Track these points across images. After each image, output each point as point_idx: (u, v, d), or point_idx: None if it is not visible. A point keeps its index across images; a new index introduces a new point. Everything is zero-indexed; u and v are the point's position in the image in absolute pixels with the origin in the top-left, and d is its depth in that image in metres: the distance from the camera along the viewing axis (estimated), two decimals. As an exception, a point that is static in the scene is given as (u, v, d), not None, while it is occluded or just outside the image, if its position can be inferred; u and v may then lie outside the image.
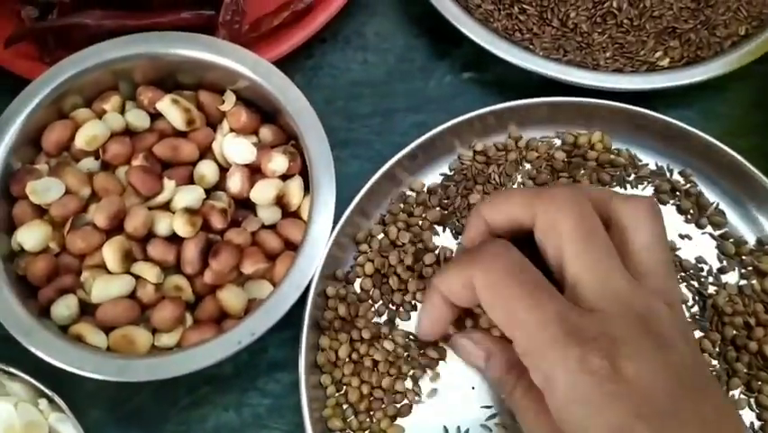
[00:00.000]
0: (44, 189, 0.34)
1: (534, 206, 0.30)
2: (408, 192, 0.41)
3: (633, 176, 0.42)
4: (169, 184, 0.35)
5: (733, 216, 0.41)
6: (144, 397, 0.37)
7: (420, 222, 0.41)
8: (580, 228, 0.29)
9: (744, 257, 0.40)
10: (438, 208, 0.41)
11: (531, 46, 0.43)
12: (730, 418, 0.27)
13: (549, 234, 0.30)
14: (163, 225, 0.35)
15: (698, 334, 0.38)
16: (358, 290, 0.39)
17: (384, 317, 0.39)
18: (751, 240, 0.40)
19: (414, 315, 0.39)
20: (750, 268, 0.40)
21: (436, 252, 0.39)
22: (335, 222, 0.37)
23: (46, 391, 0.34)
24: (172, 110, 0.37)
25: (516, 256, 0.30)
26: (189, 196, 0.35)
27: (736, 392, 0.37)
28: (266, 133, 0.38)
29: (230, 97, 0.39)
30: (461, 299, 0.32)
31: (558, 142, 0.43)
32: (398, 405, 0.37)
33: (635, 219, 0.30)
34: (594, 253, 0.29)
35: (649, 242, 0.30)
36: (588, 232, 0.29)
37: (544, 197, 0.31)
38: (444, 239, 0.40)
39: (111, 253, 0.33)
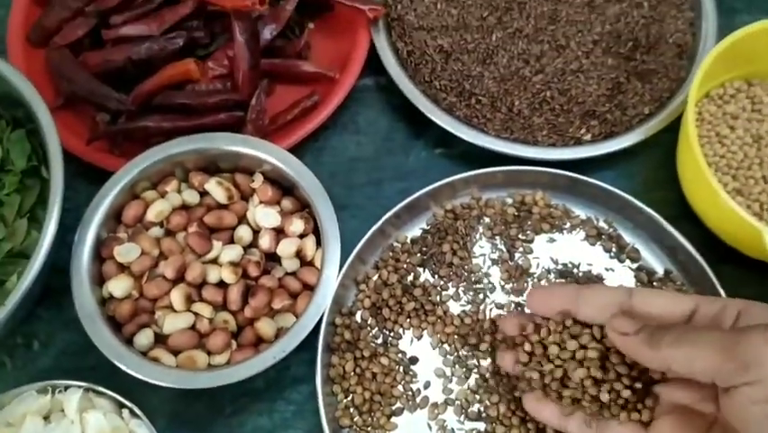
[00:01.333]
0: (126, 252, 0.47)
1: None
2: (395, 243, 0.54)
3: (568, 224, 0.54)
4: (216, 244, 0.48)
5: (645, 253, 0.53)
6: (197, 407, 0.49)
7: (405, 265, 0.53)
8: None
9: (654, 284, 0.52)
10: (419, 255, 0.53)
11: (485, 128, 0.56)
12: None
13: None
14: (214, 274, 0.47)
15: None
16: (359, 320, 0.51)
17: (380, 340, 0.50)
18: (660, 270, 0.52)
19: (405, 335, 0.50)
20: (659, 292, 0.52)
21: (421, 287, 0.51)
22: (340, 268, 0.50)
23: (126, 402, 0.45)
24: (217, 189, 0.50)
25: None
26: (232, 252, 0.48)
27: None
28: (287, 203, 0.51)
29: (258, 178, 0.51)
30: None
31: (510, 200, 0.55)
32: (393, 407, 0.48)
33: None
34: None
35: None
36: None
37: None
38: (424, 277, 0.52)
39: (177, 297, 0.45)
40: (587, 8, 0.58)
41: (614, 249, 0.53)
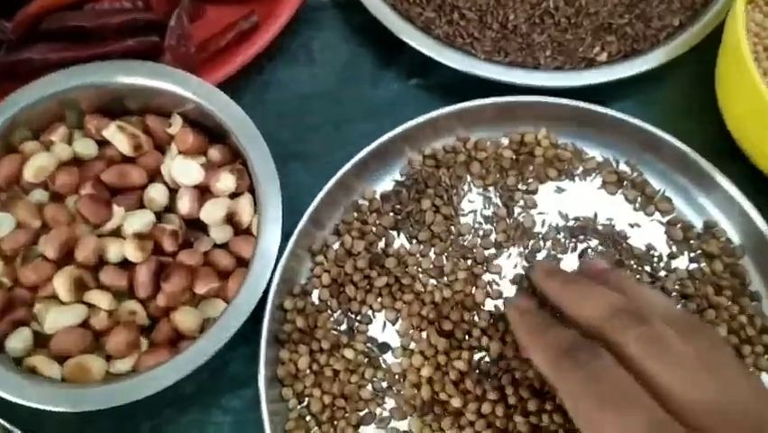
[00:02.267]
0: (-6, 225, 0.35)
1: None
2: (361, 201, 0.42)
3: (580, 169, 0.43)
4: (118, 211, 0.36)
5: (679, 202, 0.42)
6: (106, 424, 0.37)
7: (374, 229, 0.41)
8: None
9: (692, 241, 0.41)
10: (392, 214, 0.42)
11: (473, 50, 0.44)
12: None
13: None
14: (114, 251, 0.35)
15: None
16: (316, 301, 0.39)
17: (343, 326, 0.39)
18: (698, 224, 0.41)
19: (376, 318, 0.39)
20: (699, 252, 0.40)
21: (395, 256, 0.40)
22: (290, 235, 0.38)
23: (8, 426, 0.34)
24: (119, 137, 0.37)
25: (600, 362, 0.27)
26: (139, 221, 0.36)
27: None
28: (214, 153, 0.39)
29: (176, 120, 0.39)
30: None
31: (506, 141, 0.43)
32: (361, 413, 0.37)
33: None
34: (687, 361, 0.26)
35: None
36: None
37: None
38: (399, 243, 0.41)
39: (62, 284, 0.34)
40: None
41: (639, 199, 0.42)
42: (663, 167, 0.42)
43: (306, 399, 0.37)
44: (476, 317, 0.38)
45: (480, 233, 0.41)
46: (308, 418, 0.37)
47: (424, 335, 0.38)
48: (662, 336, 0.27)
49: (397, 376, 0.38)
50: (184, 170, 0.37)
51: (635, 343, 0.26)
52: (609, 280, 0.32)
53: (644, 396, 0.25)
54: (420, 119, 0.42)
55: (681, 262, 0.40)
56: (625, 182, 0.42)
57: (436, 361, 0.37)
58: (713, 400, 0.25)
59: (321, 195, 0.40)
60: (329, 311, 0.39)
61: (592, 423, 0.25)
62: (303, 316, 0.38)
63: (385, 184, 0.43)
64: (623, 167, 0.43)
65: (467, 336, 0.38)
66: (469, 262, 0.40)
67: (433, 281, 0.40)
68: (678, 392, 0.25)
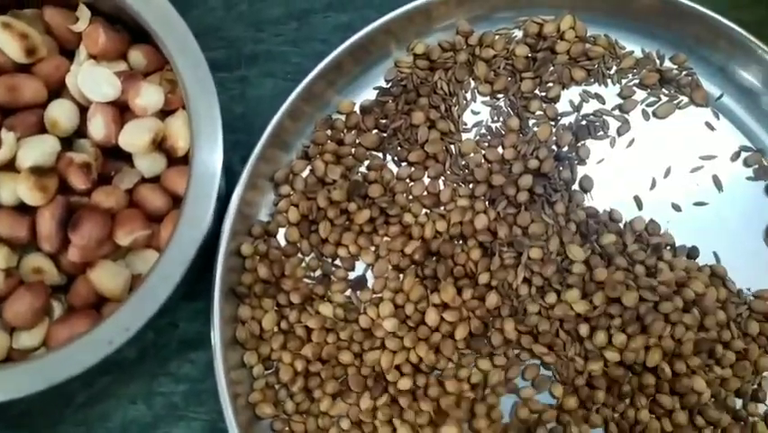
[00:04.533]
0: None
1: None
2: (336, 115, 0.33)
3: (614, 68, 0.34)
4: (7, 137, 0.27)
5: (740, 112, 0.33)
6: (32, 397, 0.31)
7: (353, 150, 0.33)
8: None
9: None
10: (375, 131, 0.33)
11: None
12: None
13: None
14: (7, 191, 0.27)
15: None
16: (282, 244, 0.32)
17: (317, 273, 0.32)
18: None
19: (357, 263, 0.31)
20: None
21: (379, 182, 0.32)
22: (246, 159, 0.30)
23: None
24: (4, 37, 0.28)
25: None
26: (38, 150, 0.27)
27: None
28: (137, 56, 0.30)
29: (84, 14, 0.29)
30: None
31: (519, 33, 0.34)
32: (340, 380, 0.30)
33: None
34: None
35: None
36: None
37: None
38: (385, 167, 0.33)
39: (-63, 236, 0.26)
40: None
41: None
42: (720, 63, 0.33)
43: (274, 364, 0.30)
44: (471, 253, 0.31)
45: (487, 151, 0.33)
46: (277, 387, 0.30)
47: (401, 277, 0.31)
48: None
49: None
50: (94, 80, 0.28)
51: None
52: None
53: None
54: (409, 6, 0.32)
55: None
56: (671, 83, 0.33)
57: (404, 312, 0.30)
58: None
59: (284, 108, 0.31)
60: (299, 255, 0.32)
61: None
62: (266, 263, 0.31)
63: (366, 93, 0.34)
64: (669, 63, 0.33)
65: (452, 272, 0.31)
66: (471, 186, 0.32)
67: (425, 212, 0.32)
68: None
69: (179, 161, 0.29)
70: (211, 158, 0.27)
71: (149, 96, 0.28)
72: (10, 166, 0.28)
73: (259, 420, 0.30)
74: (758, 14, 0.35)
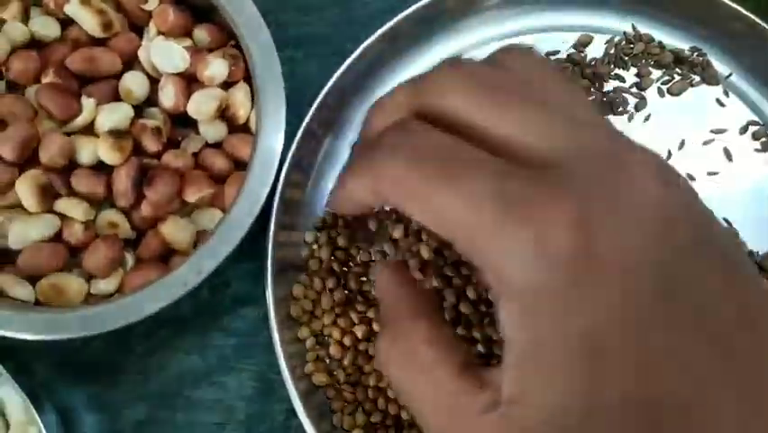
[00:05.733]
0: (-61, 122, 0.29)
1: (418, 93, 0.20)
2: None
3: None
4: (88, 103, 0.30)
5: (749, 90, 0.36)
6: (95, 347, 0.33)
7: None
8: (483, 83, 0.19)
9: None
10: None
11: None
12: None
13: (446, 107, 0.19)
14: (86, 152, 0.29)
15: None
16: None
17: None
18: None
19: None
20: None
21: None
22: (294, 134, 0.32)
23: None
24: (83, 13, 0.31)
25: (427, 136, 0.19)
26: (114, 115, 0.30)
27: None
28: (201, 34, 0.32)
29: (154, -7, 0.32)
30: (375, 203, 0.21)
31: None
32: None
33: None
34: (512, 102, 0.19)
35: None
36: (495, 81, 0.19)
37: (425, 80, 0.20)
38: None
39: (26, 190, 0.28)
40: None
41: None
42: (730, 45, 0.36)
43: (325, 340, 0.33)
44: None
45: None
46: (329, 362, 0.32)
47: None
48: (479, 73, 0.19)
49: None
50: (165, 54, 0.31)
51: (454, 96, 0.19)
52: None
53: (476, 151, 0.18)
54: None
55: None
56: (683, 64, 0.36)
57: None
58: (560, 138, 0.18)
59: (330, 83, 0.33)
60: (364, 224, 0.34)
61: (429, 210, 0.18)
62: (326, 232, 0.33)
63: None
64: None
65: None
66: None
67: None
68: (517, 140, 0.18)
69: (239, 128, 0.32)
70: (275, 129, 0.29)
71: (216, 67, 0.30)
72: (88, 130, 0.30)
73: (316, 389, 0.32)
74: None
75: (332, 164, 0.35)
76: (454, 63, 0.20)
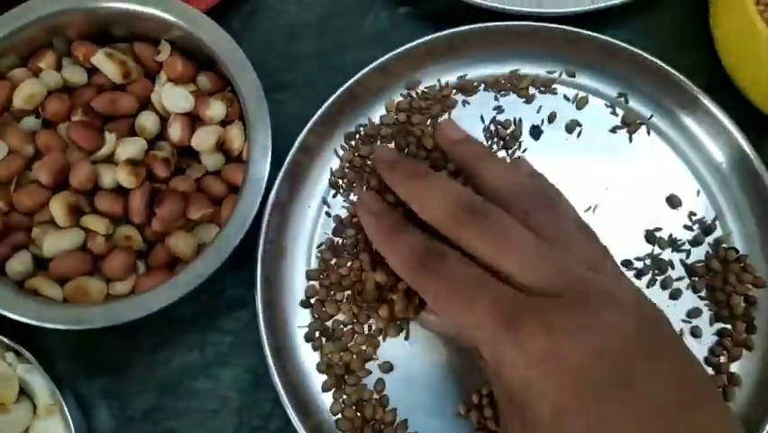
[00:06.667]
0: (-13, 152, 0.35)
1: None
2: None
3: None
4: (110, 137, 0.36)
5: (664, 125, 0.42)
6: (108, 345, 0.39)
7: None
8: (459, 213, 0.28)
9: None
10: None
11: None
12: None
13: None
14: (108, 177, 0.36)
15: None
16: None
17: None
18: (685, 148, 0.42)
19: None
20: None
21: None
22: (281, 163, 0.38)
23: (11, 344, 0.35)
24: (108, 64, 0.37)
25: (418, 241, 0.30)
26: (131, 147, 0.36)
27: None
28: (203, 80, 0.39)
29: (165, 48, 0.39)
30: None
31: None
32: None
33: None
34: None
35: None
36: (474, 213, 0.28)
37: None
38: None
39: (58, 209, 0.34)
40: None
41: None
42: (650, 90, 0.42)
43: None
44: None
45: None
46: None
47: None
48: (500, 226, 0.28)
49: None
50: (174, 97, 0.37)
51: (477, 240, 0.27)
52: (456, 156, 0.33)
53: (487, 278, 0.27)
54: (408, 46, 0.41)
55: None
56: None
57: None
58: (552, 273, 0.26)
59: (308, 126, 0.40)
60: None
61: (456, 320, 0.27)
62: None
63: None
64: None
65: None
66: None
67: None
68: (517, 274, 0.26)
69: (234, 158, 0.38)
70: (262, 158, 0.35)
71: (215, 109, 0.37)
72: (109, 159, 0.37)
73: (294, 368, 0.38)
74: (678, 52, 0.44)
75: (309, 191, 0.41)
76: (485, 221, 0.28)
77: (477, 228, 0.27)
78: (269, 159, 0.35)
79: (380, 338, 0.38)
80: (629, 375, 0.24)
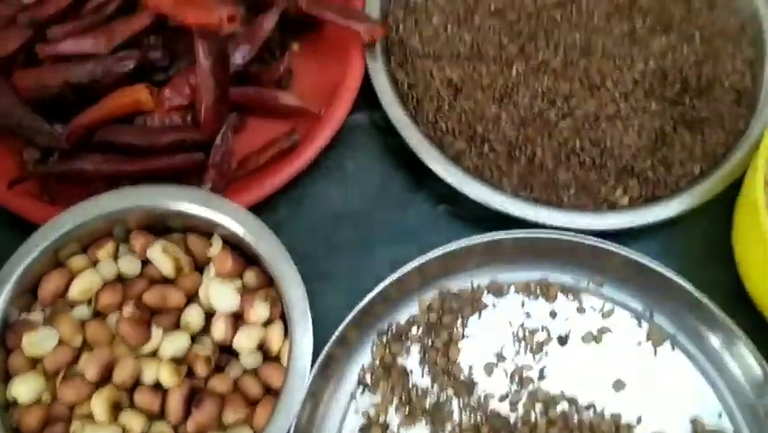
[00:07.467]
0: (39, 340, 0.37)
1: None
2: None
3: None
4: (156, 332, 0.38)
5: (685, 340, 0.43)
6: None
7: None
8: None
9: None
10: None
11: (500, 183, 0.46)
12: None
13: None
14: (150, 373, 0.37)
15: None
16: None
17: None
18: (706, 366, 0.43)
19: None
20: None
21: None
22: (315, 359, 0.40)
23: None
24: (162, 258, 0.39)
25: None
26: (176, 344, 0.38)
27: None
28: (250, 277, 0.41)
29: (217, 242, 0.41)
30: None
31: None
32: None
33: None
34: None
35: None
36: None
37: None
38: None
39: (99, 406, 0.35)
40: (627, 40, 0.49)
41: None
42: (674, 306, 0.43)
43: None
44: None
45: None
46: None
47: None
48: None
49: None
50: (221, 295, 0.39)
51: None
52: None
53: None
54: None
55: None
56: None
57: None
58: None
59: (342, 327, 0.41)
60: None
61: None
62: None
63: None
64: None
65: None
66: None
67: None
68: None
69: (272, 358, 0.39)
70: (302, 364, 0.37)
71: (260, 311, 0.39)
72: (152, 354, 0.38)
73: None
74: (708, 278, 0.45)
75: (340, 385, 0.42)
76: None
77: None
78: (308, 365, 0.37)
79: None
80: None
